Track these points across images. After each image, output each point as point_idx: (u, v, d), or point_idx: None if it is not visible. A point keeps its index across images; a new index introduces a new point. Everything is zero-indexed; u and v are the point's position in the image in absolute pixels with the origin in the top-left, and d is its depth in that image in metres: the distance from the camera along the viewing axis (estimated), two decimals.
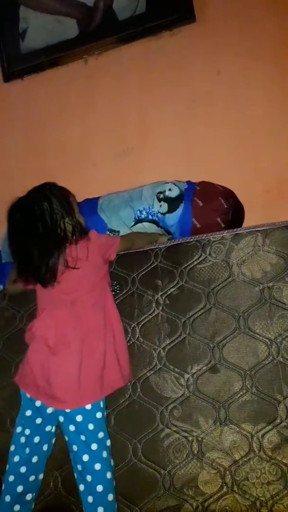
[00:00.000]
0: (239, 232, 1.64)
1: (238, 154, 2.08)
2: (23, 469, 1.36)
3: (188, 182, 1.79)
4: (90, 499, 1.30)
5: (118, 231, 1.77)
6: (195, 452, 1.41)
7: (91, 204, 1.83)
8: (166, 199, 1.72)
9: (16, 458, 1.38)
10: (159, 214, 1.72)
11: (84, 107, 2.31)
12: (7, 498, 1.34)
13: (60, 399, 1.34)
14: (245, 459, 1.36)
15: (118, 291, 1.64)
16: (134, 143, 2.23)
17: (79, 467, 1.33)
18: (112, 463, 1.37)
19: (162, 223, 1.73)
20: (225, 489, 1.35)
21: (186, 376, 1.50)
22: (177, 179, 1.81)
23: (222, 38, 2.08)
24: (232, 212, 1.71)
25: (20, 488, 1.35)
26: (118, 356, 1.44)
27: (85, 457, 1.32)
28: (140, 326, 1.60)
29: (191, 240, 1.67)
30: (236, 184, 1.85)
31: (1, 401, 1.65)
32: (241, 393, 1.43)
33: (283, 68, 2.02)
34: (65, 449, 1.43)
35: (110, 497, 1.31)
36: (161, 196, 1.73)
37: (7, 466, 1.38)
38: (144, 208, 1.74)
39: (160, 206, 1.72)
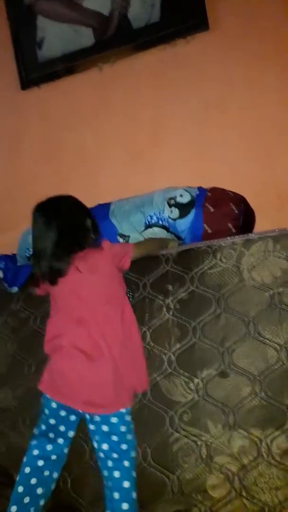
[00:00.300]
0: (250, 237, 1.64)
1: (251, 159, 2.09)
2: (40, 463, 1.41)
3: (199, 188, 1.80)
4: (116, 495, 1.34)
5: (129, 236, 1.79)
6: (204, 456, 1.41)
7: (103, 209, 1.86)
8: (177, 205, 1.74)
9: (36, 452, 1.42)
10: (169, 220, 1.74)
11: (99, 113, 2.35)
12: (20, 489, 1.38)
13: (99, 404, 1.39)
14: (254, 464, 1.36)
15: (131, 298, 1.66)
16: (148, 148, 2.25)
17: (110, 462, 1.38)
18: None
19: (172, 228, 1.75)
20: (233, 494, 1.35)
21: (196, 380, 1.50)
22: (190, 184, 1.83)
23: (234, 44, 2.10)
24: (243, 217, 1.72)
25: (33, 481, 1.39)
26: (138, 363, 1.48)
27: (115, 455, 1.38)
28: (150, 330, 1.62)
29: (202, 245, 1.68)
30: (249, 189, 1.86)
31: (14, 400, 1.69)
32: (250, 398, 1.43)
33: None
34: (74, 451, 1.46)
35: (134, 495, 1.36)
36: (172, 202, 1.75)
37: (25, 458, 1.43)
38: (154, 214, 1.76)
39: (171, 211, 1.73)
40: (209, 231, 1.71)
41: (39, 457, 1.42)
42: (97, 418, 1.41)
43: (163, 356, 1.57)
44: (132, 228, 1.78)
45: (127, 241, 1.80)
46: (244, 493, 1.35)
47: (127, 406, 1.42)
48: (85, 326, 1.43)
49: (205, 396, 1.47)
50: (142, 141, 2.26)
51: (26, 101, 2.48)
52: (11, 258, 1.97)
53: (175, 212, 1.74)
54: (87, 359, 1.40)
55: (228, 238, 1.67)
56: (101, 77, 2.35)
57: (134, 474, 1.38)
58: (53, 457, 1.43)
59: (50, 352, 1.49)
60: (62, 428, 1.45)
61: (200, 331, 1.56)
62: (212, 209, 1.71)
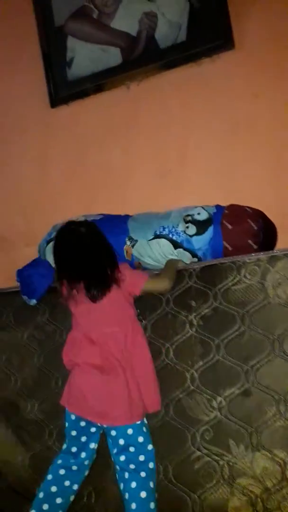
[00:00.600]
0: (275, 254, 1.63)
1: (279, 178, 2.07)
2: (62, 471, 1.47)
3: (217, 206, 1.80)
4: (133, 505, 1.35)
5: (136, 240, 1.81)
6: (225, 477, 1.39)
7: (126, 216, 1.94)
8: (194, 222, 1.74)
9: (59, 461, 1.49)
10: (184, 235, 1.74)
11: (126, 131, 2.38)
12: (41, 495, 1.45)
13: (112, 416, 1.43)
14: (278, 487, 1.33)
15: (142, 321, 1.66)
16: (175, 165, 2.26)
17: (126, 474, 1.40)
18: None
19: (187, 244, 1.74)
20: None
21: (219, 399, 1.49)
22: (218, 203, 1.83)
23: (260, 63, 2.09)
24: (263, 233, 1.70)
25: (54, 488, 1.45)
26: (149, 383, 1.50)
27: (132, 466, 1.40)
28: (173, 346, 1.61)
29: (226, 261, 1.67)
30: (275, 207, 1.84)
31: (41, 414, 1.71)
32: (274, 418, 1.40)
33: None
34: (97, 467, 1.47)
35: (152, 505, 1.36)
36: (189, 218, 1.75)
37: (50, 467, 1.49)
38: (167, 226, 1.78)
39: (187, 227, 1.74)
40: (230, 248, 1.70)
41: (61, 466, 1.48)
42: (113, 433, 1.44)
43: (186, 373, 1.56)
44: (142, 234, 1.81)
45: (134, 245, 1.82)
46: None
47: (141, 419, 1.45)
48: (97, 346, 1.49)
49: (228, 415, 1.45)
50: (169, 158, 2.28)
51: (56, 119, 2.53)
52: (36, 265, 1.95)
53: (192, 228, 1.74)
54: (101, 373, 1.45)
55: (253, 254, 1.66)
56: (129, 95, 2.38)
57: (152, 485, 1.38)
58: (74, 467, 1.48)
59: (70, 367, 1.56)
60: (83, 438, 1.49)
61: (223, 348, 1.54)
62: (230, 227, 1.71)
